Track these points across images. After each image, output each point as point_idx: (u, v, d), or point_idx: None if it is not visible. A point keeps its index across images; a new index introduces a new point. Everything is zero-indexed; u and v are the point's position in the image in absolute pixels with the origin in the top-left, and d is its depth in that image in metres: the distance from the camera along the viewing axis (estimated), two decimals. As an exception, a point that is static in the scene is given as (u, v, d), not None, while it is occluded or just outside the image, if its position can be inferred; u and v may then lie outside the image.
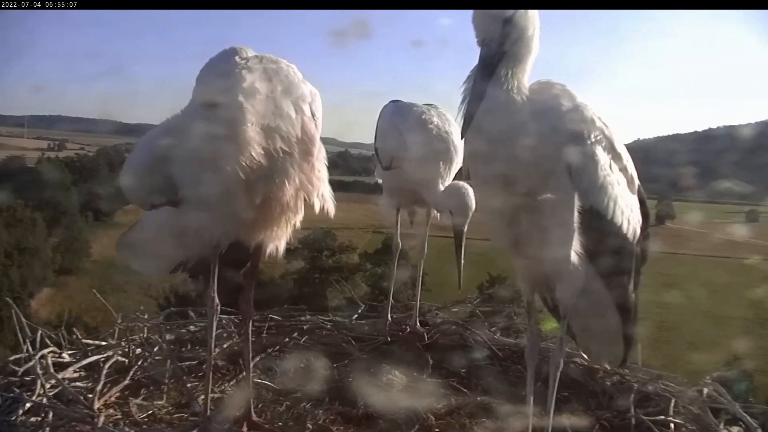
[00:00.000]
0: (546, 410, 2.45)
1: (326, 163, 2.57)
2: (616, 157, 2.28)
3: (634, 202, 2.39)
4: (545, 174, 2.18)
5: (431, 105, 3.75)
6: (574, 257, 2.23)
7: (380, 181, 3.89)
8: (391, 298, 4.03)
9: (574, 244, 2.22)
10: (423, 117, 3.59)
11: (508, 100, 2.15)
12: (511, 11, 2.11)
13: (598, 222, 2.24)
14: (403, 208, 3.99)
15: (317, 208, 2.56)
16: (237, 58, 2.33)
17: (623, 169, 2.32)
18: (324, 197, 2.57)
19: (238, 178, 2.26)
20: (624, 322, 2.54)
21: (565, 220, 2.20)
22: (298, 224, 2.57)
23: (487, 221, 2.39)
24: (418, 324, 3.93)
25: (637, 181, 2.41)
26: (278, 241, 2.61)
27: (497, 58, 2.14)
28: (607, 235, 2.28)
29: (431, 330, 3.89)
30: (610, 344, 2.67)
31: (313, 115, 2.45)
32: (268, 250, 2.63)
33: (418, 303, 4.03)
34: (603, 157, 2.23)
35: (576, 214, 2.19)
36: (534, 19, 2.17)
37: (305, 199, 2.51)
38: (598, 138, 2.23)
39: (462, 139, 2.22)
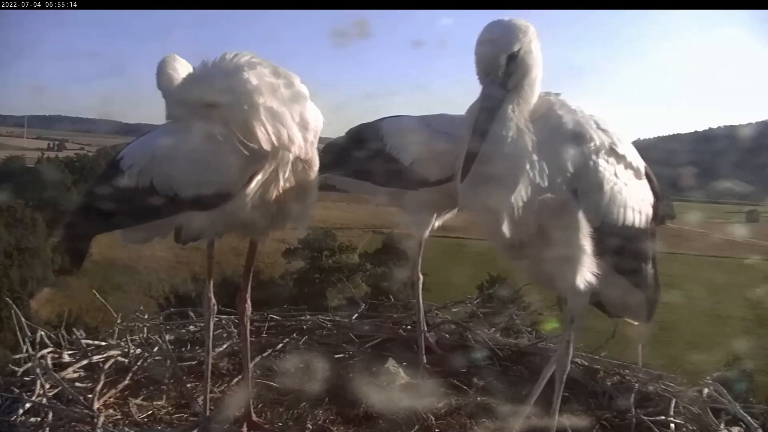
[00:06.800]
0: (551, 412, 2.45)
1: (317, 190, 2.53)
2: (619, 158, 2.22)
3: (642, 187, 2.32)
4: (549, 198, 2.11)
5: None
6: (581, 281, 2.18)
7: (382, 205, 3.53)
8: (424, 329, 3.54)
9: (585, 262, 2.17)
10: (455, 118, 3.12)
11: (515, 142, 2.06)
12: (516, 46, 2.01)
13: (610, 228, 2.20)
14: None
15: (290, 228, 2.55)
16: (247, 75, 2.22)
17: (628, 165, 2.26)
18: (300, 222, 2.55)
19: (243, 179, 2.23)
20: (645, 293, 2.50)
21: (571, 240, 2.15)
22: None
23: (488, 238, 2.32)
24: (426, 331, 3.57)
25: (642, 166, 2.34)
26: (262, 242, 2.61)
27: (500, 98, 2.05)
28: (621, 236, 2.24)
29: (431, 330, 3.88)
30: (633, 311, 2.65)
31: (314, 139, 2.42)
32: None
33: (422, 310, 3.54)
34: (607, 168, 2.17)
35: (583, 233, 2.14)
36: (539, 57, 2.09)
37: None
38: (598, 146, 2.16)
39: (461, 182, 2.10)
